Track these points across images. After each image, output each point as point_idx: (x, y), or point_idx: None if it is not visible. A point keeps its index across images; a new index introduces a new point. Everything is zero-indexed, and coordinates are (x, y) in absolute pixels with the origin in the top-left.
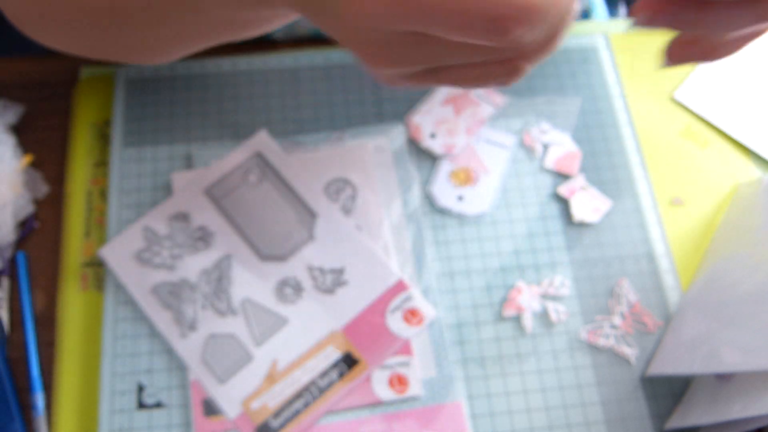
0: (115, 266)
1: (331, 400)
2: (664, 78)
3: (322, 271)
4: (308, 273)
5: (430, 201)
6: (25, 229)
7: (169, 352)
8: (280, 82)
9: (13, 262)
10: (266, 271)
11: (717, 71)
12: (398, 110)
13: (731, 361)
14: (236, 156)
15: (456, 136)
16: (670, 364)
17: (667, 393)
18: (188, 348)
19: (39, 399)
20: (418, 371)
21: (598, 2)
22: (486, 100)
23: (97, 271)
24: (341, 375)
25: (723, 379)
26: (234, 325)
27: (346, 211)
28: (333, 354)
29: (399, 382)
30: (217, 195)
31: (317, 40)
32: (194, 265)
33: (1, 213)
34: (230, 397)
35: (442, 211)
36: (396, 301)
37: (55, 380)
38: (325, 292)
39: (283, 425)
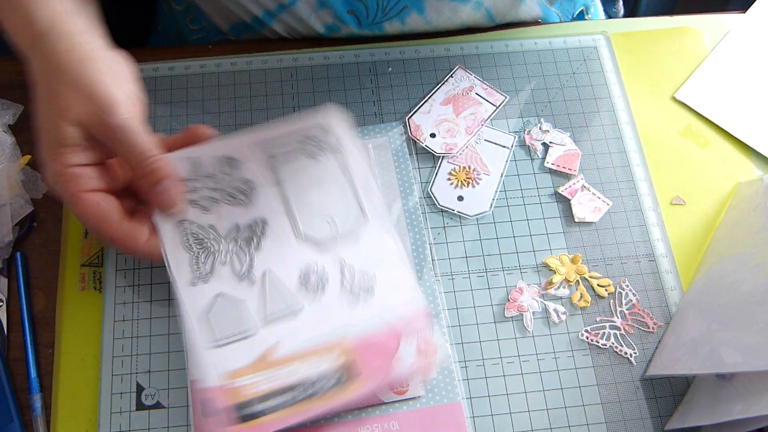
0: None
1: (318, 406)
2: (665, 78)
3: (352, 271)
4: (339, 268)
5: (430, 201)
6: (24, 229)
7: (169, 353)
8: (280, 82)
9: (11, 263)
10: (298, 251)
11: (718, 71)
12: (398, 110)
13: (732, 361)
14: (301, 122)
15: (456, 135)
16: (671, 364)
17: (668, 393)
18: (193, 298)
19: (37, 400)
20: (439, 332)
21: (597, 2)
22: (486, 99)
23: (96, 271)
24: (337, 384)
25: (724, 379)
26: (248, 293)
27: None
28: (337, 360)
29: (426, 347)
30: (272, 152)
31: (317, 40)
32: (228, 216)
33: (0, 213)
34: (216, 365)
35: (443, 212)
36: (415, 326)
37: (53, 381)
38: (350, 293)
39: (262, 413)
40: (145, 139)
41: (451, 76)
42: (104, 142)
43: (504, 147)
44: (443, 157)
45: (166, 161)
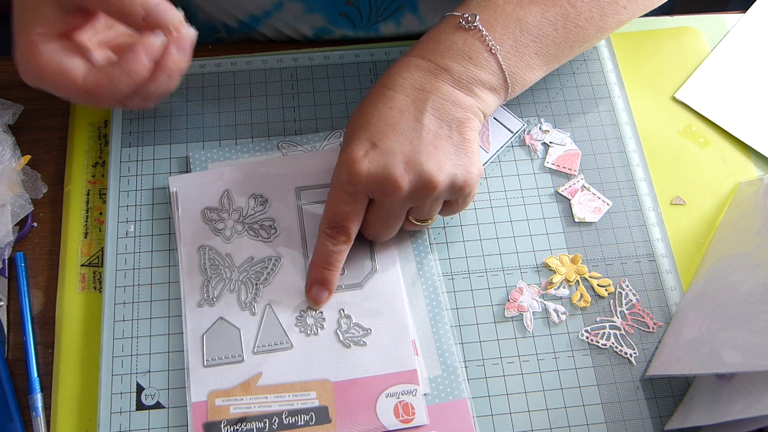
0: (182, 206)
1: None
2: (665, 78)
3: (351, 321)
4: (337, 315)
5: None
6: (24, 229)
7: (169, 353)
8: (280, 82)
9: (11, 262)
10: (301, 290)
11: (718, 71)
12: None
13: (732, 361)
14: None
15: None
16: (671, 364)
17: (668, 393)
18: (197, 319)
19: (37, 400)
20: (422, 400)
21: None
22: None
23: (96, 271)
24: (307, 424)
25: (724, 379)
26: (246, 322)
27: None
28: (311, 400)
29: (404, 410)
30: (304, 199)
31: (317, 40)
32: (246, 249)
33: (0, 213)
34: (203, 382)
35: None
36: (397, 388)
37: (53, 381)
38: (341, 343)
39: None
40: None
41: None
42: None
43: (509, 131)
44: None
45: None
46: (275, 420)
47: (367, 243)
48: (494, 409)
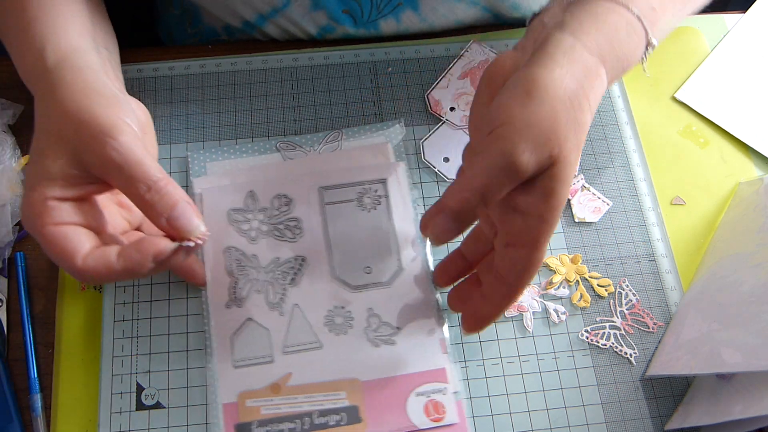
0: (207, 207)
1: None
2: (665, 78)
3: (379, 319)
4: (366, 314)
5: (430, 201)
6: (24, 229)
7: (169, 353)
8: (280, 82)
9: (11, 262)
10: (330, 291)
11: (718, 71)
12: (398, 110)
13: (732, 361)
14: (364, 169)
15: None
16: (671, 364)
17: (668, 393)
18: (225, 320)
19: (37, 400)
20: (453, 398)
21: None
22: None
23: None
24: (338, 424)
25: (724, 379)
26: (274, 323)
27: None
28: (341, 400)
29: (435, 409)
30: (327, 198)
31: (317, 40)
32: (272, 249)
33: (0, 213)
34: (233, 383)
35: None
36: (427, 387)
37: (53, 381)
38: (370, 342)
39: None
40: (150, 164)
41: (467, 50)
42: (100, 173)
43: None
44: (462, 128)
45: (175, 184)
46: (306, 420)
47: (388, 242)
48: (494, 409)
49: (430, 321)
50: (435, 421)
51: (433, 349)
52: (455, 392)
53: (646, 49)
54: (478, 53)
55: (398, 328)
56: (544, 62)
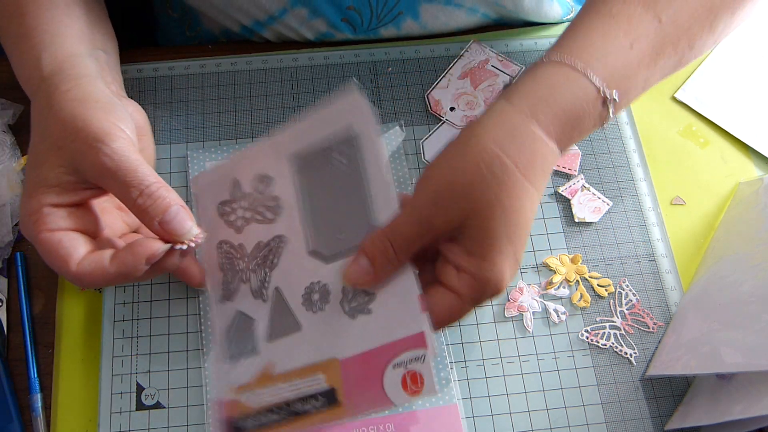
0: (200, 205)
1: (304, 426)
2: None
3: (355, 289)
4: (341, 284)
5: None
6: None
7: (169, 353)
8: (280, 82)
9: (11, 262)
10: (306, 268)
11: (718, 71)
12: (398, 110)
13: (732, 361)
14: (330, 123)
15: (476, 108)
16: (671, 364)
17: (668, 393)
18: (220, 315)
19: (37, 400)
20: (432, 365)
21: None
22: (502, 71)
23: None
24: (316, 409)
25: (724, 379)
26: (258, 311)
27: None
28: (320, 383)
29: (413, 381)
30: (297, 165)
31: (317, 40)
32: (255, 235)
33: (0, 213)
34: (228, 379)
35: None
36: (404, 356)
37: (53, 381)
38: (347, 315)
39: (251, 428)
40: (143, 169)
41: (467, 50)
42: (95, 179)
43: None
44: (444, 121)
45: (169, 188)
46: (287, 409)
47: (360, 197)
48: (494, 409)
49: (406, 277)
50: (413, 394)
51: (411, 309)
52: (437, 358)
53: (605, 103)
54: (478, 53)
55: (374, 294)
56: (471, 125)
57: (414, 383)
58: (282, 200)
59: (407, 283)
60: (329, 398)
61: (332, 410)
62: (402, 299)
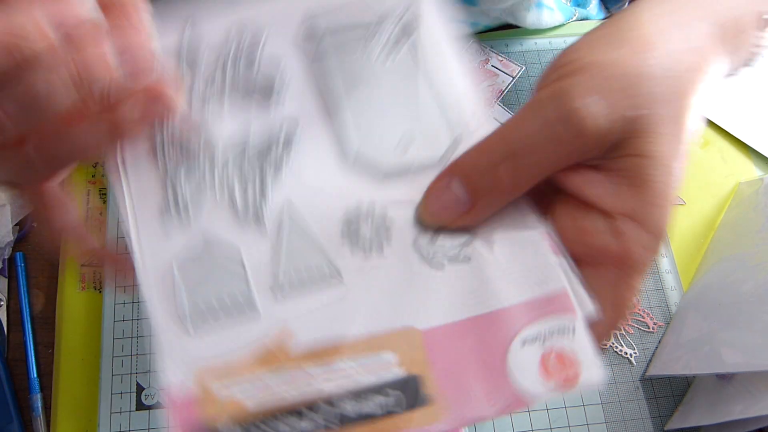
0: None
1: None
2: None
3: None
4: (411, 216)
5: None
6: (24, 229)
7: None
8: None
9: (11, 262)
10: (344, 182)
11: None
12: None
13: (732, 361)
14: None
15: None
16: (671, 364)
17: (668, 393)
18: (160, 247)
19: (37, 400)
20: (587, 337)
21: (594, 2)
22: (503, 71)
23: (96, 271)
24: (387, 412)
25: (724, 379)
26: (252, 244)
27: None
28: (391, 368)
29: (560, 363)
30: (318, 34)
31: None
32: (231, 127)
33: (0, 213)
34: (185, 358)
35: None
36: (540, 326)
37: (53, 381)
38: (426, 262)
39: None
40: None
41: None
42: None
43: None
44: None
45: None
46: (328, 410)
47: (433, 100)
48: None
49: (522, 208)
50: (565, 384)
51: (537, 255)
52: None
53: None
54: (478, 53)
55: (472, 234)
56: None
57: (562, 367)
58: (283, 78)
59: (525, 217)
60: (411, 392)
61: (418, 413)
62: (520, 241)
